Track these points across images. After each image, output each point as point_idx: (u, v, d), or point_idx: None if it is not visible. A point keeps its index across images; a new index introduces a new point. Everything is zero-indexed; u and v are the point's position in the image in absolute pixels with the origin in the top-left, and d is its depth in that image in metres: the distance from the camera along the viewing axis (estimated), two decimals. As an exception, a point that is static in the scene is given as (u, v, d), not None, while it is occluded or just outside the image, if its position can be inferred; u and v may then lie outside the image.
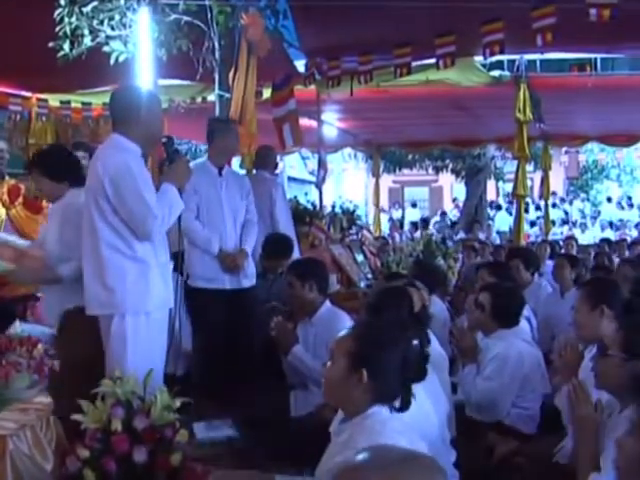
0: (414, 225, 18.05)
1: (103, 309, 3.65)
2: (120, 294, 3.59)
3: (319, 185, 10.21)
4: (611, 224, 19.08)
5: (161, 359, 3.72)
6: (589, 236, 17.05)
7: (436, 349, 3.93)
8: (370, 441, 2.21)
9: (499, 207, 20.46)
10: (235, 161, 5.66)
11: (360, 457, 1.51)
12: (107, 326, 3.65)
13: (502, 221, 18.60)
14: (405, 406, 2.52)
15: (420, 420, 2.84)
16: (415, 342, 2.61)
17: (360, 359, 2.49)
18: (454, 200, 23.51)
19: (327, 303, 4.51)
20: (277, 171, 7.65)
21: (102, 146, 3.81)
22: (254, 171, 6.57)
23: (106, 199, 3.55)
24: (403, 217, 22.36)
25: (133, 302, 3.61)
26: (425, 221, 18.45)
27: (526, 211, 14.15)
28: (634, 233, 17.69)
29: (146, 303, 3.64)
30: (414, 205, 24.25)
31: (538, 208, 19.35)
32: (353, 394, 2.50)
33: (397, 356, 2.51)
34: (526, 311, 4.73)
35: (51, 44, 5.60)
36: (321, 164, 10.21)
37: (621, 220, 19.61)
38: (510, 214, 16.98)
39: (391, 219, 20.07)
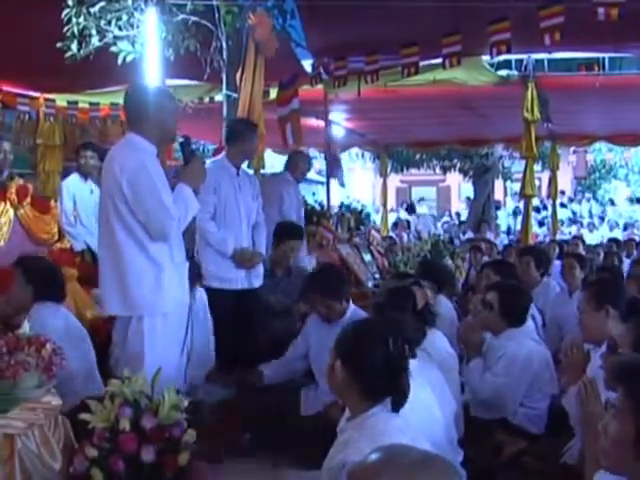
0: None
1: (121, 310, 3.67)
2: (138, 296, 3.61)
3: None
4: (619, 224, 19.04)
5: (177, 357, 3.70)
6: (597, 236, 16.98)
7: (445, 349, 3.92)
8: (372, 440, 2.21)
9: (497, 207, 20.36)
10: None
11: (375, 456, 1.50)
12: (124, 326, 3.69)
13: (500, 220, 18.57)
14: (396, 406, 2.51)
15: (426, 420, 2.84)
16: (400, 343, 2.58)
17: (336, 349, 2.59)
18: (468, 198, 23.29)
19: (351, 305, 4.49)
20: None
21: (117, 146, 3.78)
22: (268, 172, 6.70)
23: (123, 200, 3.54)
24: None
25: (151, 304, 3.62)
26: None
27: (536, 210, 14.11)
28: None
29: (163, 305, 3.65)
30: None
31: (545, 208, 19.27)
32: (341, 386, 2.55)
33: (375, 353, 2.51)
34: (530, 309, 4.71)
35: (59, 44, 5.61)
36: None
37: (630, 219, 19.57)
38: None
39: (399, 219, 20.02)
